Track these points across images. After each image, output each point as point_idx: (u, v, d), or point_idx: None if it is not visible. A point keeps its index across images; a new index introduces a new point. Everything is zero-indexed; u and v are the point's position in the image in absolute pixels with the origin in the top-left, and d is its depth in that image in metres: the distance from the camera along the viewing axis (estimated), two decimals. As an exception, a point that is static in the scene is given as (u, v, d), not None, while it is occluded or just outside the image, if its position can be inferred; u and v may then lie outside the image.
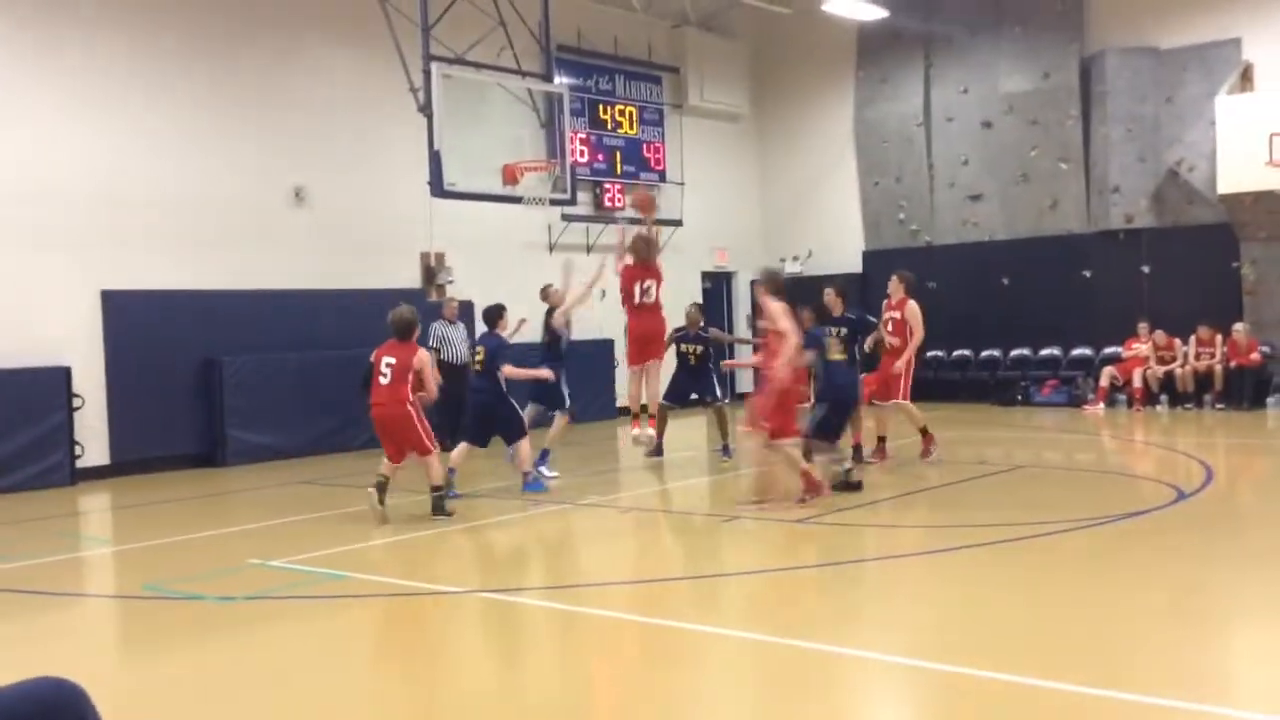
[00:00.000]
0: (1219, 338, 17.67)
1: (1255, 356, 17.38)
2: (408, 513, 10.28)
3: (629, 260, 12.33)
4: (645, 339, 12.30)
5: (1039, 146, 19.84)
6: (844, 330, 10.92)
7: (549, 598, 7.50)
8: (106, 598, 8.32)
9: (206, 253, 15.08)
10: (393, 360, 9.92)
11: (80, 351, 13.91)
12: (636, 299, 12.23)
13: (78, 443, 13.72)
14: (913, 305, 12.49)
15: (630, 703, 5.50)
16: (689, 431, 16.32)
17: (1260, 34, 17.98)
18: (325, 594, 7.61)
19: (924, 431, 12.41)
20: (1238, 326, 17.51)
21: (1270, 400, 17.35)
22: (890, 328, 12.47)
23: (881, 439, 12.64)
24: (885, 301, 12.79)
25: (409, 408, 9.89)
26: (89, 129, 14.16)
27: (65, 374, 13.61)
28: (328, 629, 6.89)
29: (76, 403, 13.73)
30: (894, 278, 12.76)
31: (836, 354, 10.73)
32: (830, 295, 11.43)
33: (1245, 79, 18.05)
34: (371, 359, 10.07)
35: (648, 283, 12.23)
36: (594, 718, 5.35)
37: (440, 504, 10.14)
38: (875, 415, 12.61)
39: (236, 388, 14.93)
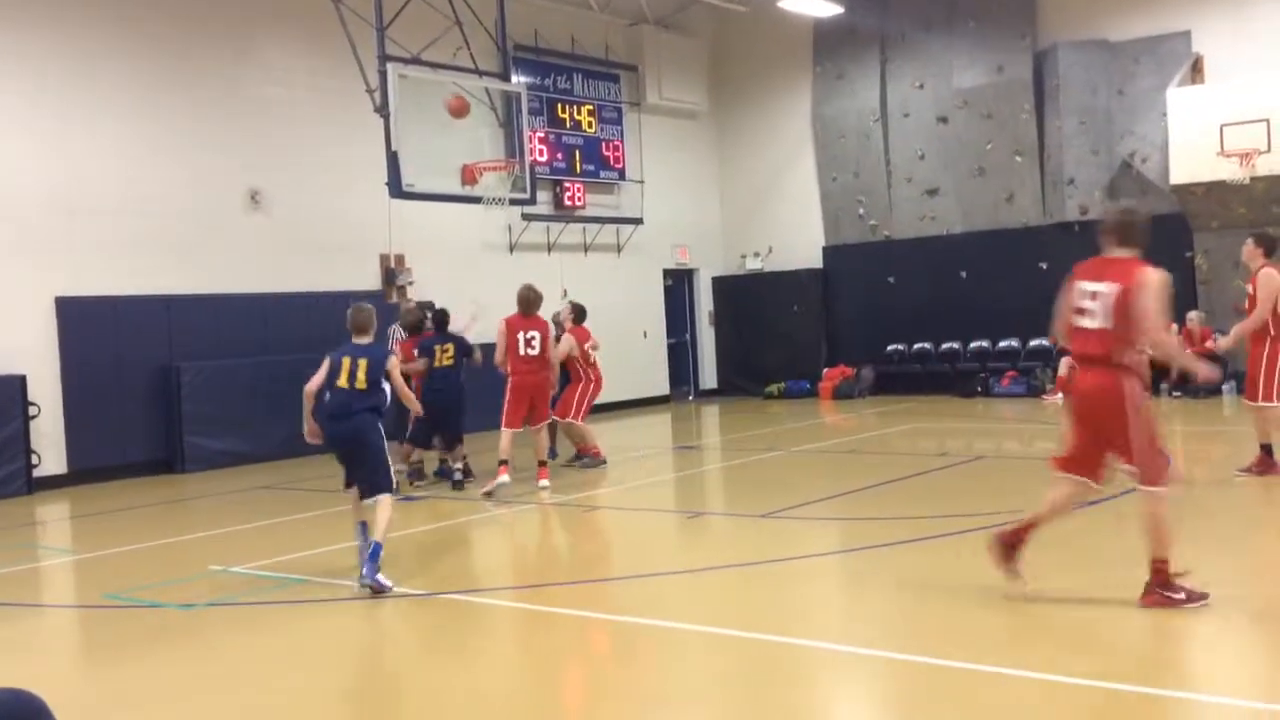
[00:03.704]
0: (1174, 327, 17.86)
1: (1210, 345, 17.60)
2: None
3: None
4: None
5: (994, 140, 20.01)
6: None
7: (513, 598, 7.48)
8: (67, 608, 8.21)
9: (162, 258, 14.92)
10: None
11: (35, 359, 13.73)
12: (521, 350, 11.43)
13: (34, 452, 13.55)
14: (1269, 272, 9.68)
15: (598, 700, 5.50)
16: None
17: (1210, 27, 18.22)
18: (287, 599, 7.56)
19: (1265, 447, 9.95)
20: (1192, 315, 17.73)
21: (1225, 388, 17.57)
22: (1247, 304, 9.93)
23: (1265, 447, 10.10)
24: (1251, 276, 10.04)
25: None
26: (41, 135, 13.97)
27: (20, 382, 13.43)
28: (290, 634, 6.84)
29: (32, 411, 13.56)
30: (1249, 240, 9.97)
31: (445, 361, 11.74)
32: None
33: (1196, 71, 18.28)
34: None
35: (530, 333, 11.49)
36: (562, 717, 5.35)
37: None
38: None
39: (194, 393, 14.78)
